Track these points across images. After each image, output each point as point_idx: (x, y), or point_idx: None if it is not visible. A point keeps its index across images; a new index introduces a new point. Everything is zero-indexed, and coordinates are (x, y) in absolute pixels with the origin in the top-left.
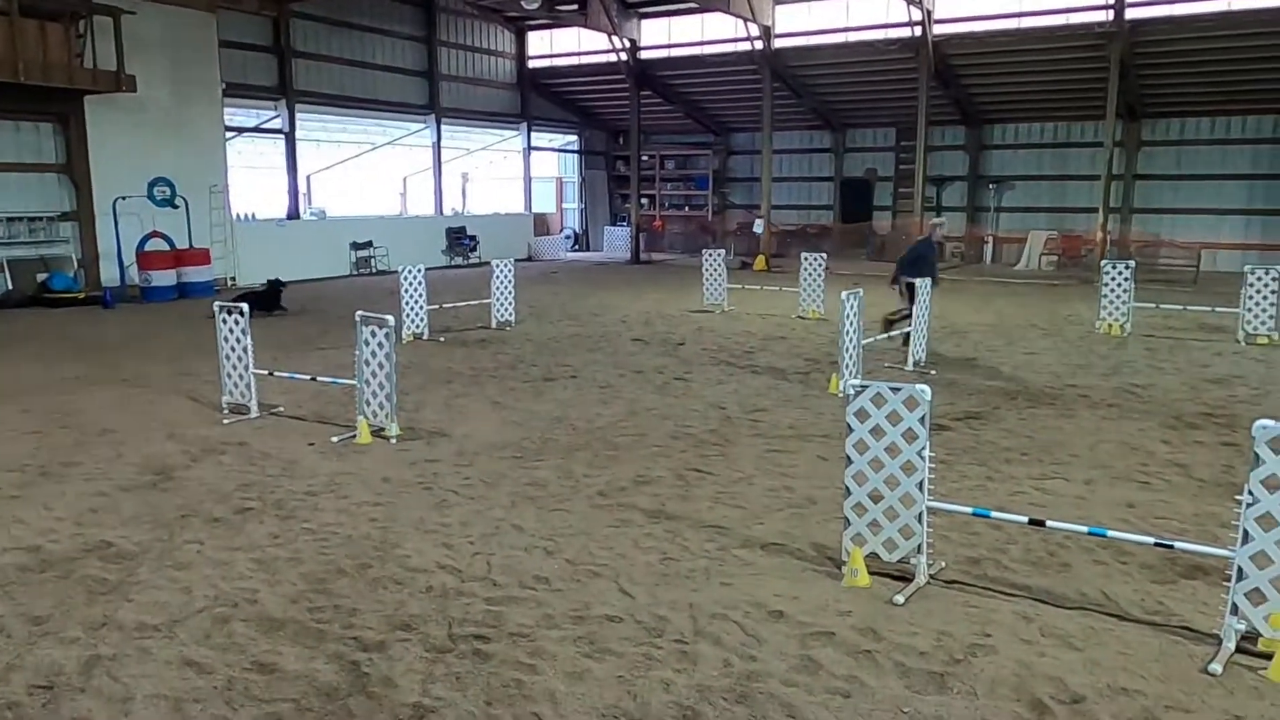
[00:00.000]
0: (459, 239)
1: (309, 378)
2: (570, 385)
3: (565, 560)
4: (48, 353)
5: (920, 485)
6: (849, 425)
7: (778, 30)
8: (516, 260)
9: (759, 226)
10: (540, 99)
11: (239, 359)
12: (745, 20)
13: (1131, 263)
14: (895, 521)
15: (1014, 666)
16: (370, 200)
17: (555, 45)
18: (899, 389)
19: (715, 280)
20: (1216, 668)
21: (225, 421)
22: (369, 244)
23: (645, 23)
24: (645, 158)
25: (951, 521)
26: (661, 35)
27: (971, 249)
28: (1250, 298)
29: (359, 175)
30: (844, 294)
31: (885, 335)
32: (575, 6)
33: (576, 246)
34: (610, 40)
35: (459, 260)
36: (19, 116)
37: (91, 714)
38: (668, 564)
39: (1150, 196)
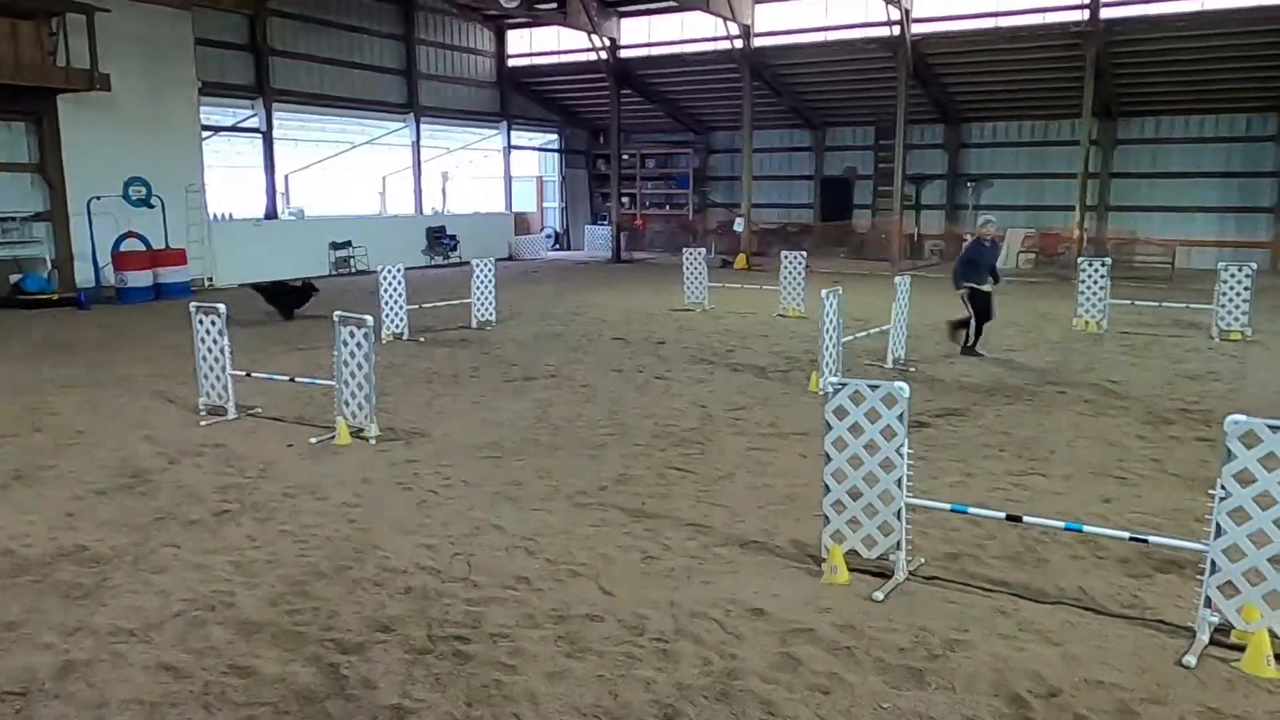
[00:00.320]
0: (439, 238)
1: (288, 378)
2: (551, 385)
3: (546, 560)
4: (22, 355)
5: (899, 482)
6: (828, 423)
7: (757, 29)
8: (497, 260)
9: (739, 225)
10: (520, 98)
11: (216, 360)
12: (725, 19)
13: (1108, 260)
14: (874, 518)
15: (992, 661)
16: (349, 200)
17: (535, 44)
18: (877, 386)
19: (696, 279)
20: (1191, 660)
21: (203, 423)
22: (348, 244)
23: (625, 21)
24: (626, 156)
25: (930, 518)
26: (641, 34)
27: (950, 247)
28: (1224, 294)
29: (338, 175)
30: (824, 292)
31: (961, 347)
32: (554, 5)
33: (557, 245)
34: (590, 39)
35: (439, 260)
36: None
37: None
38: (648, 563)
39: (1126, 194)
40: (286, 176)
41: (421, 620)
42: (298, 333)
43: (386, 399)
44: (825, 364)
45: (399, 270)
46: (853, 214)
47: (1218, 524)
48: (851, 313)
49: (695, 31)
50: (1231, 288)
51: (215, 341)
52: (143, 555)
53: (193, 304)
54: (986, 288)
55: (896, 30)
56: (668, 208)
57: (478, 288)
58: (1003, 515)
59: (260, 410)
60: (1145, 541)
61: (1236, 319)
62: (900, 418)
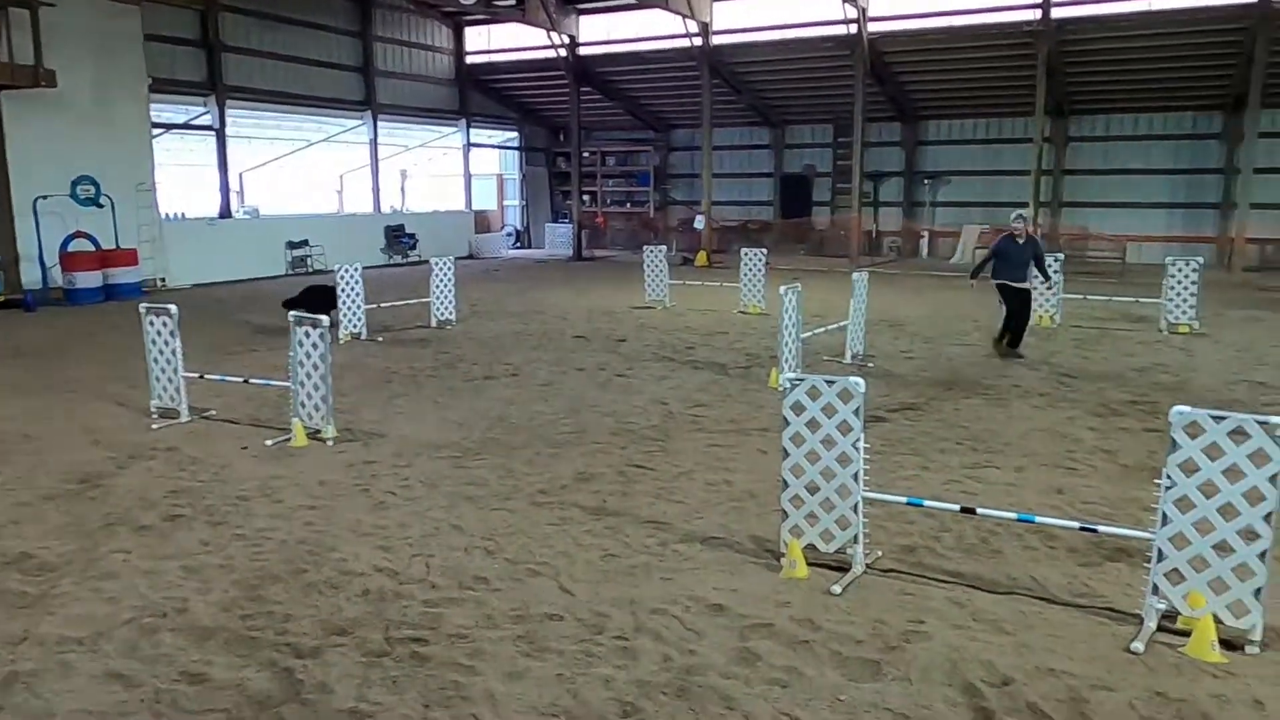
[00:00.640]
0: (398, 237)
1: (242, 380)
2: (511, 383)
3: (505, 559)
4: None
5: (856, 476)
6: (785, 418)
7: (716, 27)
8: (457, 258)
9: (700, 223)
10: (479, 95)
11: (168, 362)
12: (684, 16)
13: (1061, 255)
14: (832, 513)
15: (946, 651)
16: (306, 199)
17: (494, 41)
18: (833, 382)
19: (657, 276)
20: (1139, 646)
21: (154, 426)
22: (305, 243)
23: (584, 19)
24: (586, 154)
25: (887, 511)
26: (601, 31)
27: (908, 243)
28: (1172, 288)
29: (294, 173)
30: (783, 289)
31: (1009, 349)
32: (513, 2)
33: (518, 244)
34: (549, 36)
35: (398, 259)
36: None
37: None
38: (608, 561)
39: (1078, 191)
40: (241, 175)
41: (379, 622)
42: (252, 333)
43: (344, 399)
44: (785, 360)
45: (357, 269)
46: (812, 211)
47: (1164, 513)
48: (811, 309)
49: (655, 29)
50: (1179, 282)
51: (167, 343)
52: (92, 561)
53: (143, 305)
54: (1023, 285)
55: (854, 29)
56: (629, 205)
57: (437, 286)
58: (957, 508)
59: (214, 413)
60: (1095, 531)
61: (1184, 312)
62: (856, 412)
